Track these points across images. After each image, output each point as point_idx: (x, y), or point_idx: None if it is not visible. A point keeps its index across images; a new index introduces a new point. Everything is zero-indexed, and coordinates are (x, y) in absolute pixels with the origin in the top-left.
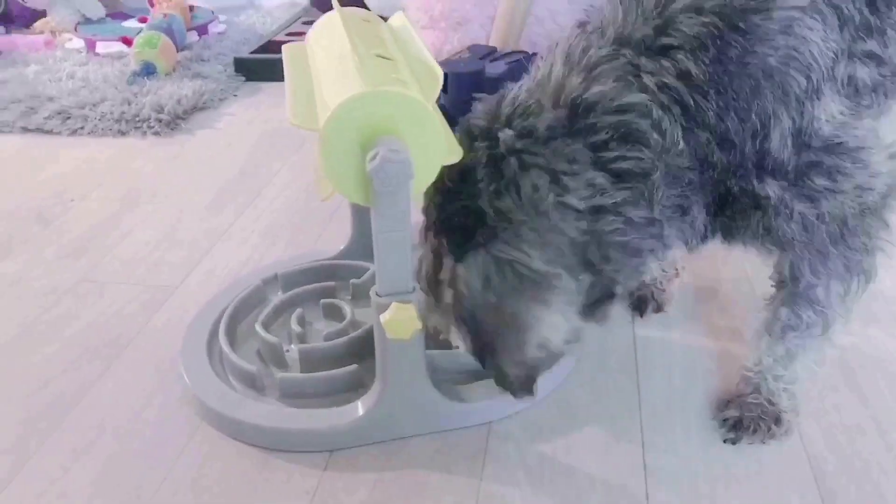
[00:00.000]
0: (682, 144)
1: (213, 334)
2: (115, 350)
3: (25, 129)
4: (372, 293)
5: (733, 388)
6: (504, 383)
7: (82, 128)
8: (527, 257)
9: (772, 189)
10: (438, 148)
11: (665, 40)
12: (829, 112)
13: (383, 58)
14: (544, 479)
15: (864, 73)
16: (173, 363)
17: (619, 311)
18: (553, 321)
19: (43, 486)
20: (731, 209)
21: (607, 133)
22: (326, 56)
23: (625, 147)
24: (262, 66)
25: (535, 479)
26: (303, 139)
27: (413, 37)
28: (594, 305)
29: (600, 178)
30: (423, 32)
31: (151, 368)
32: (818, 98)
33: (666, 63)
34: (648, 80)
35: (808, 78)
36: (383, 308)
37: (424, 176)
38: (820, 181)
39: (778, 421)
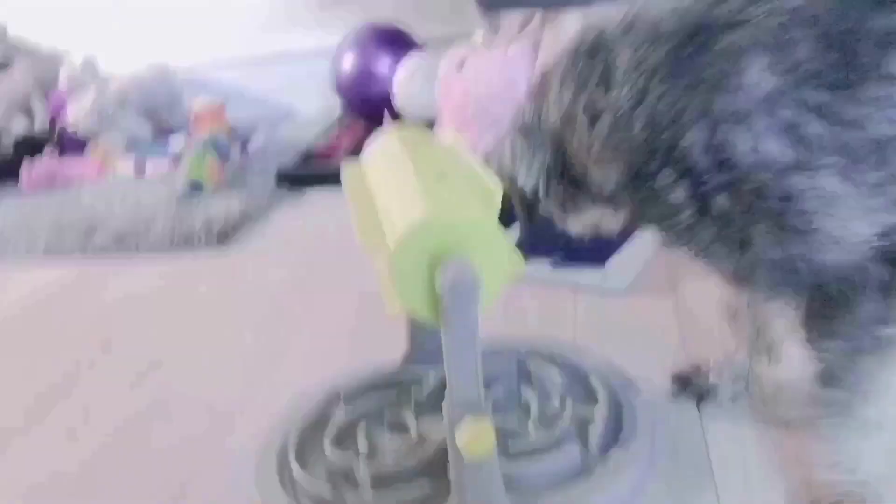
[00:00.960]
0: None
1: (283, 457)
2: (188, 475)
3: (83, 253)
4: (444, 409)
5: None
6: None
7: (137, 249)
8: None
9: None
10: (502, 263)
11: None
12: (756, 144)
13: (444, 177)
14: None
15: (817, 128)
16: (248, 490)
17: (687, 411)
18: None
19: None
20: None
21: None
22: (387, 176)
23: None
24: (303, 176)
25: None
26: (349, 248)
27: (465, 152)
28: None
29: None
30: (457, 133)
31: (225, 492)
32: (743, 124)
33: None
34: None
35: (736, 93)
36: (456, 424)
37: (490, 290)
38: (725, 202)
39: None
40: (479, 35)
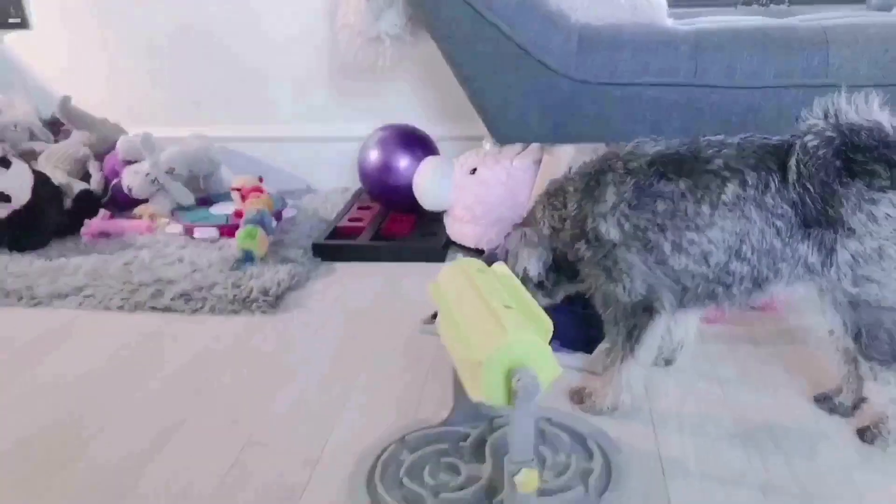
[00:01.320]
0: (570, 211)
1: (371, 484)
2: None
3: (155, 309)
4: (506, 461)
5: None
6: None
7: (202, 307)
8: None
9: (583, 247)
10: (551, 369)
11: None
12: (606, 228)
13: (510, 307)
14: None
15: (627, 225)
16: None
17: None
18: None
19: None
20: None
21: None
22: (462, 300)
23: None
24: (334, 249)
25: None
26: (386, 319)
27: (516, 283)
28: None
29: None
30: (466, 226)
31: None
32: (604, 218)
33: None
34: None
35: (603, 203)
36: (515, 471)
37: (543, 387)
38: (588, 253)
39: None
40: (487, 143)
